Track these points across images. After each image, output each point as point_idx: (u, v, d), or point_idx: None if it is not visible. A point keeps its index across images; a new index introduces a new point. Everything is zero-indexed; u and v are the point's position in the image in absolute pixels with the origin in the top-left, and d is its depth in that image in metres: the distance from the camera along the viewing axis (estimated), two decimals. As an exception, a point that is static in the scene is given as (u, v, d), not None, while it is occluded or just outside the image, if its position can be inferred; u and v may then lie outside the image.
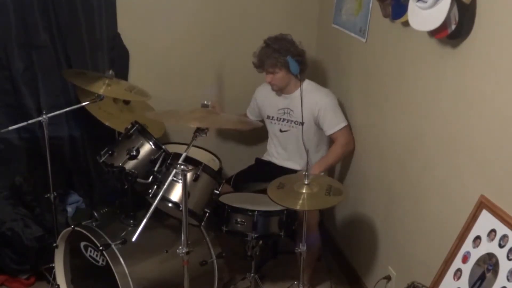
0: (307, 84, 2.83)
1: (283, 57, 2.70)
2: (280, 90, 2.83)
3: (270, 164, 3.01)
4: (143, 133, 2.44)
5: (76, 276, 2.58)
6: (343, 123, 2.77)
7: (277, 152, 2.99)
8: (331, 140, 2.87)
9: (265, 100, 2.95)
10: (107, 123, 2.67)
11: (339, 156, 2.83)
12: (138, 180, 2.37)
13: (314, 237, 2.75)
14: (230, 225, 2.48)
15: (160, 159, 2.38)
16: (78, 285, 2.57)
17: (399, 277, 2.42)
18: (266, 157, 3.06)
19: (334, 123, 2.76)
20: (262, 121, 3.01)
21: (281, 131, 2.91)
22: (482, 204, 1.77)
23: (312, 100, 2.77)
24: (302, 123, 2.79)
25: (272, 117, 2.92)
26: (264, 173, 2.87)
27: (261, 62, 2.74)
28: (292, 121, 2.86)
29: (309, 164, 2.81)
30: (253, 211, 2.44)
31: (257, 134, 3.10)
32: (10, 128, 2.52)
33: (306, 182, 2.20)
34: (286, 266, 2.97)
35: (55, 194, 2.62)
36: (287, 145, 2.93)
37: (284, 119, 2.89)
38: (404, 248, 2.38)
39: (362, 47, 2.67)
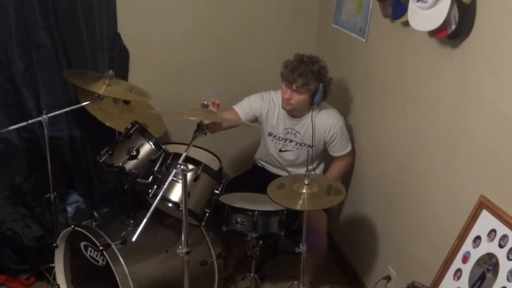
0: (317, 107, 2.72)
1: (317, 82, 2.57)
2: (290, 111, 2.71)
3: (264, 171, 2.96)
4: (143, 133, 2.44)
5: (76, 276, 2.58)
6: (349, 147, 2.78)
7: (272, 165, 2.94)
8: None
9: (269, 115, 2.77)
10: (107, 123, 2.67)
11: (341, 174, 2.86)
12: (138, 180, 2.37)
13: (322, 243, 2.75)
14: (230, 225, 2.48)
15: (160, 159, 2.37)
16: (78, 285, 2.57)
17: (399, 277, 2.42)
18: (261, 163, 3.01)
19: (342, 148, 2.76)
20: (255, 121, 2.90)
21: (280, 150, 2.82)
22: (482, 204, 1.77)
23: (326, 124, 2.69)
24: (312, 146, 2.73)
25: (274, 135, 2.80)
26: (258, 182, 2.79)
27: (293, 77, 2.55)
28: (297, 142, 2.77)
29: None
30: (253, 211, 2.44)
31: (257, 134, 3.10)
32: (10, 128, 2.51)
33: (306, 182, 2.20)
34: (286, 266, 2.97)
35: (55, 194, 2.62)
36: (283, 160, 2.85)
37: (286, 139, 2.79)
38: (404, 248, 2.38)
39: (362, 47, 2.67)
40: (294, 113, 2.71)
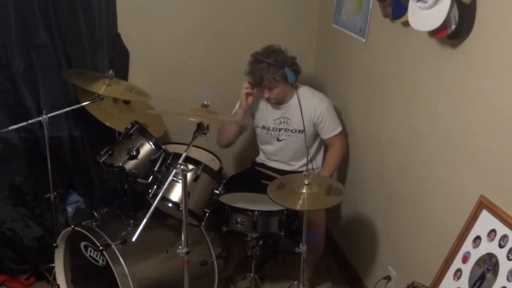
0: (302, 89, 2.79)
1: (281, 70, 2.61)
2: (277, 103, 2.78)
3: (266, 168, 2.95)
4: (143, 133, 2.44)
5: (76, 276, 2.58)
6: (340, 128, 2.80)
7: (271, 159, 2.94)
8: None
9: (258, 110, 2.86)
10: (107, 123, 2.67)
11: (339, 161, 2.84)
12: (138, 180, 2.37)
13: (320, 239, 2.76)
14: (230, 225, 2.48)
15: (160, 159, 2.37)
16: (78, 285, 2.57)
17: (399, 277, 2.42)
18: (259, 160, 3.02)
19: (332, 128, 2.77)
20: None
21: (278, 140, 2.86)
22: (482, 204, 1.77)
23: (311, 105, 2.74)
24: (304, 131, 2.76)
25: (268, 127, 2.84)
26: (257, 180, 2.80)
27: (259, 80, 2.62)
28: (289, 130, 2.81)
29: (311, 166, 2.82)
30: (253, 211, 2.44)
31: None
32: (10, 128, 2.52)
33: (306, 182, 2.20)
34: (286, 266, 2.97)
35: (55, 194, 2.63)
36: (283, 152, 2.88)
37: (281, 129, 2.82)
38: (404, 248, 2.38)
39: (362, 47, 2.67)
40: (281, 101, 2.77)
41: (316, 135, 2.84)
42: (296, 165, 2.90)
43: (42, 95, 2.92)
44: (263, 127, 2.86)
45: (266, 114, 2.84)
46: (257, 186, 2.59)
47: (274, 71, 2.60)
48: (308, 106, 2.74)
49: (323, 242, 2.81)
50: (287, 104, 2.78)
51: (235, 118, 2.77)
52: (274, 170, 2.87)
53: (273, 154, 2.92)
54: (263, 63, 2.61)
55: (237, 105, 2.84)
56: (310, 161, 2.83)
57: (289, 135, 2.82)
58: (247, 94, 2.72)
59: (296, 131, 2.80)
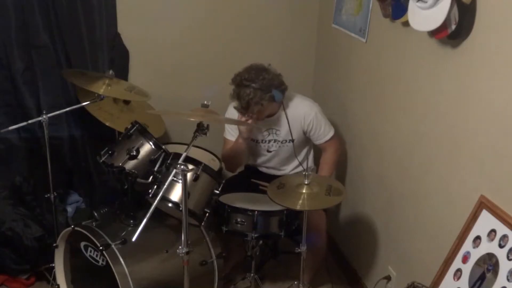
0: (288, 99, 2.70)
1: (269, 94, 2.50)
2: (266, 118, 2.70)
3: (259, 173, 2.94)
4: (143, 133, 2.44)
5: (76, 276, 2.58)
6: (332, 132, 2.76)
7: (262, 166, 2.92)
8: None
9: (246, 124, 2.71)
10: (107, 123, 2.67)
11: (335, 164, 2.83)
12: (138, 180, 2.37)
13: (322, 242, 2.75)
14: (230, 225, 2.48)
15: (160, 159, 2.37)
16: (78, 285, 2.57)
17: (399, 277, 2.42)
18: (252, 164, 3.00)
19: (323, 134, 2.74)
20: None
21: (268, 151, 2.82)
22: (482, 204, 1.77)
23: (300, 114, 2.68)
24: (293, 140, 2.72)
25: (257, 140, 2.79)
26: (253, 184, 2.77)
27: (246, 106, 2.50)
28: (279, 140, 2.76)
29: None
30: (253, 211, 2.44)
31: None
32: (10, 128, 2.52)
33: (306, 182, 2.20)
34: (286, 266, 2.97)
35: (55, 194, 2.63)
36: (274, 160, 2.86)
37: (270, 140, 2.78)
38: (404, 248, 2.38)
39: (362, 47, 2.67)
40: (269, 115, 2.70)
41: (307, 139, 2.83)
42: (287, 169, 2.88)
43: (42, 95, 2.92)
44: (252, 140, 2.80)
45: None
46: (254, 186, 2.59)
47: (261, 96, 2.48)
48: (297, 114, 2.69)
49: (324, 245, 2.80)
50: (275, 116, 2.71)
51: (239, 146, 2.72)
52: (266, 176, 2.83)
53: (264, 162, 2.89)
54: (249, 88, 2.48)
55: (227, 134, 2.81)
56: (302, 163, 2.82)
57: (279, 146, 2.79)
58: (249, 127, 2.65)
59: (286, 141, 2.77)
